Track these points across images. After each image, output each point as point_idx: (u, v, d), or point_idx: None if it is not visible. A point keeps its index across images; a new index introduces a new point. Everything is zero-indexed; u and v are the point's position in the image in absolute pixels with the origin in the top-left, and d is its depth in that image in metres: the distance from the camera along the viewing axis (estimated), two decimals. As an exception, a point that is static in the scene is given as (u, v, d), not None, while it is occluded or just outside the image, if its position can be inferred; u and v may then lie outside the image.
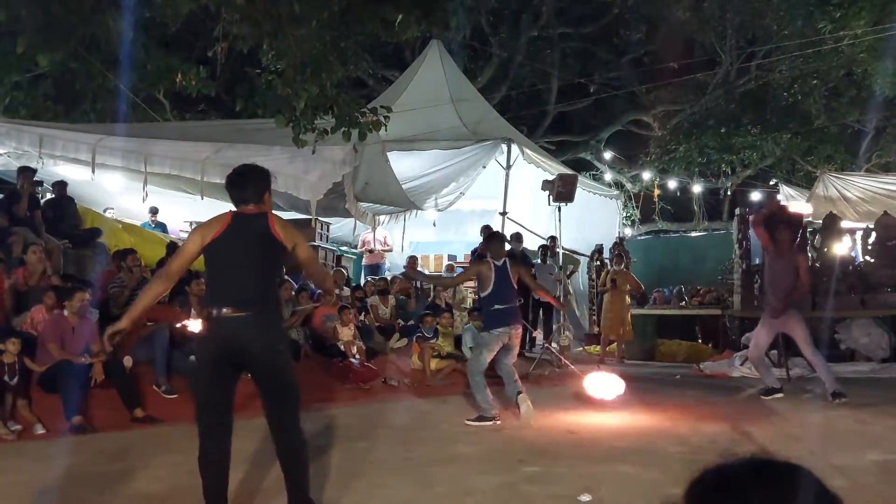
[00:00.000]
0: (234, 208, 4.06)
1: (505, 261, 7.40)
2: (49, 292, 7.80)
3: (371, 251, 14.25)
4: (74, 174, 11.45)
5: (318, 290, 10.94)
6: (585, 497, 4.50)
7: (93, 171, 10.92)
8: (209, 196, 11.03)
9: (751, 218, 9.93)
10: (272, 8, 7.92)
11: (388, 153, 11.73)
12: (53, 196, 11.20)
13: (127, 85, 15.10)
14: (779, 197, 16.91)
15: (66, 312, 7.38)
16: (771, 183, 20.63)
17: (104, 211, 12.43)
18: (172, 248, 10.10)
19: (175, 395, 7.53)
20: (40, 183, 10.44)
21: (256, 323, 3.82)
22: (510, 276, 7.31)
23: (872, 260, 11.07)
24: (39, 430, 6.57)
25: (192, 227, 13.08)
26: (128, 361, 7.51)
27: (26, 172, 10.04)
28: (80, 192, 11.59)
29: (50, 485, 4.95)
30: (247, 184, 4.04)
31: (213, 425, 3.88)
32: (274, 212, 4.18)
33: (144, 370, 7.75)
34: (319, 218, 12.35)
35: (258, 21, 8.06)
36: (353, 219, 12.27)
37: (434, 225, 14.30)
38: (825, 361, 8.20)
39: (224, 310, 3.80)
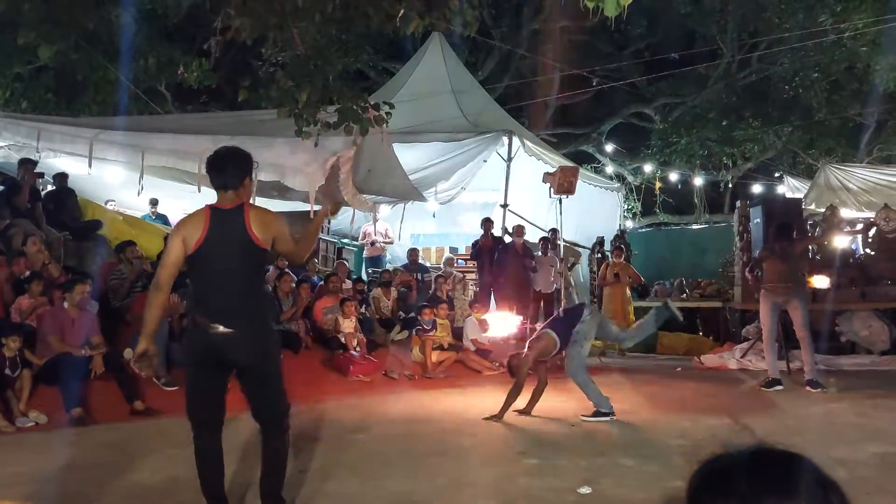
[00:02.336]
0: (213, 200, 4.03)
1: None
2: (36, 280, 7.80)
3: (373, 243, 14.21)
4: (74, 167, 11.43)
5: (320, 283, 10.94)
6: (585, 489, 4.50)
7: (90, 166, 10.88)
8: (207, 188, 10.98)
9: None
10: (276, 1, 7.86)
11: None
12: (54, 188, 11.19)
13: (128, 77, 15.06)
14: (780, 189, 16.85)
15: (66, 304, 7.38)
16: (776, 175, 20.59)
17: (105, 203, 12.41)
18: (171, 239, 10.07)
19: (175, 388, 7.53)
20: (41, 175, 10.43)
21: (244, 337, 3.83)
22: None
23: (873, 252, 11.06)
24: (32, 424, 6.59)
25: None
26: (128, 353, 7.50)
27: (27, 164, 10.01)
28: (80, 185, 11.56)
29: (50, 476, 4.96)
30: (226, 167, 3.98)
31: (206, 419, 3.93)
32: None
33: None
34: (319, 210, 12.26)
35: (260, 14, 8.01)
36: (351, 209, 12.20)
37: (434, 217, 14.26)
38: (813, 350, 8.53)
39: (211, 324, 3.80)
